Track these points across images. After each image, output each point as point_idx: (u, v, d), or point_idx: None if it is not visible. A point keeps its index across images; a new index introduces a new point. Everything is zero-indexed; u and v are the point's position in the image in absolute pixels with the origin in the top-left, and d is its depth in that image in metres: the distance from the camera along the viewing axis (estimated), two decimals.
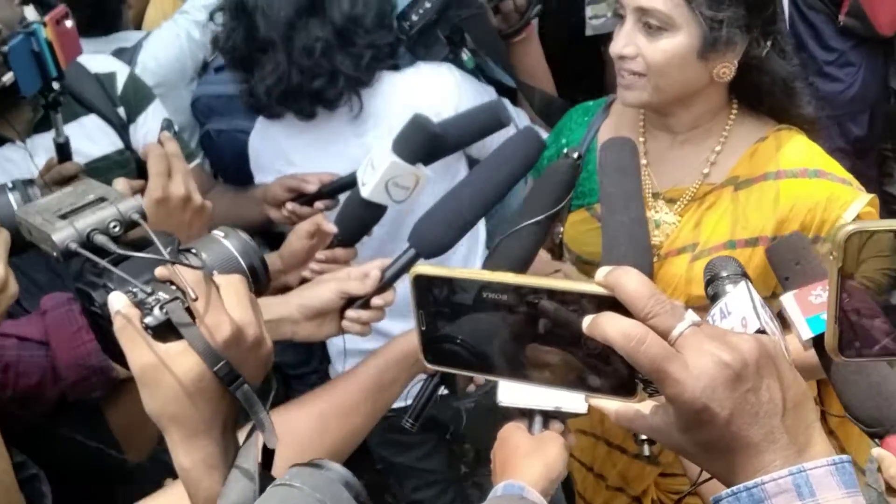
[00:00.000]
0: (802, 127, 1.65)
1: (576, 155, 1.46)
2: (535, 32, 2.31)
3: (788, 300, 1.07)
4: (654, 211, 1.68)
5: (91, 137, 1.99)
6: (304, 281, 1.56)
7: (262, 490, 0.84)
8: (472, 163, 2.09)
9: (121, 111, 2.08)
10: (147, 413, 0.88)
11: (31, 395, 1.23)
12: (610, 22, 2.45)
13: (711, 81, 1.57)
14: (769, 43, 1.56)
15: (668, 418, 0.76)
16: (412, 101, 1.89)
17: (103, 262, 0.88)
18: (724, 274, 1.14)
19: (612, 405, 0.83)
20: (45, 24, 1.67)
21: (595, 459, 1.89)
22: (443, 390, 1.40)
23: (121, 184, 1.50)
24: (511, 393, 1.28)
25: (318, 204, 1.86)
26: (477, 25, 2.10)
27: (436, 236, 1.49)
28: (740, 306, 1.09)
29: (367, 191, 1.59)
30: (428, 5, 1.95)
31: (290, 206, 1.87)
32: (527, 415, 1.15)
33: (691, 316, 0.75)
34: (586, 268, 1.76)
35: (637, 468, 1.80)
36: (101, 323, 0.93)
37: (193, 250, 0.94)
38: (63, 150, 1.80)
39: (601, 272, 0.77)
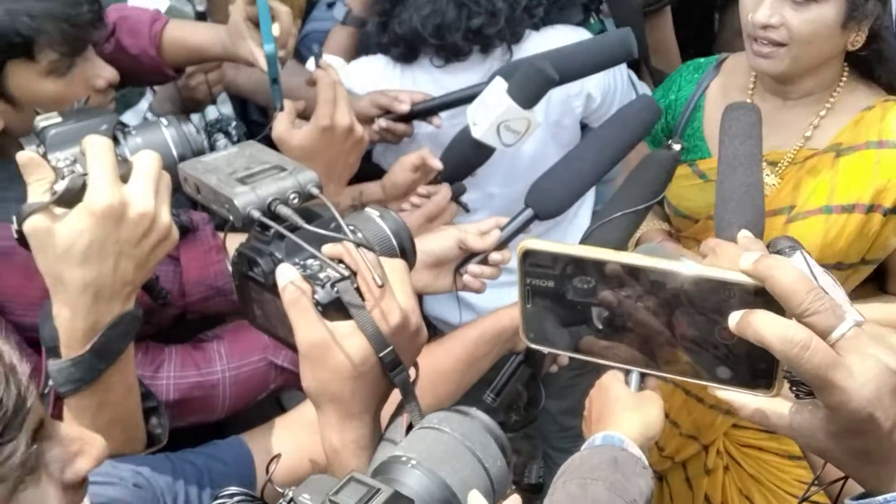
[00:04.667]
0: None
1: (678, 147, 1.47)
2: (668, 7, 2.27)
3: None
4: None
5: None
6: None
7: None
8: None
9: None
10: (305, 390, 0.89)
11: (153, 308, 1.21)
12: None
13: (843, 50, 1.60)
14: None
15: (818, 422, 0.71)
16: None
17: (289, 234, 0.86)
18: (786, 248, 1.13)
19: (742, 399, 0.78)
20: None
21: (672, 407, 1.93)
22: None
23: (288, 105, 1.51)
24: None
25: (436, 120, 1.81)
26: None
27: (555, 197, 1.49)
28: None
29: (478, 131, 1.58)
30: None
31: (383, 122, 1.81)
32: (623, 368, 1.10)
33: (853, 315, 0.70)
34: (684, 222, 1.80)
35: (710, 417, 1.85)
36: (252, 288, 0.93)
37: (352, 227, 0.93)
38: None
39: (747, 258, 0.71)
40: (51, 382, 0.98)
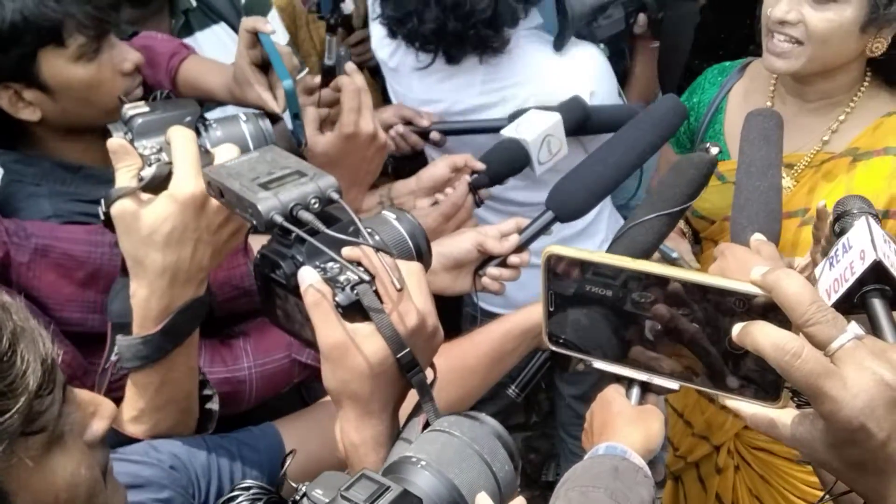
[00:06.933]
0: None
1: (716, 151, 1.43)
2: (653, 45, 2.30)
3: None
4: None
5: (225, 47, 1.99)
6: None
7: None
8: None
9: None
10: (326, 388, 0.91)
11: None
12: None
13: (861, 55, 1.59)
14: None
15: (817, 432, 0.72)
16: (572, 77, 1.87)
17: (309, 238, 0.88)
18: (855, 210, 1.14)
19: (748, 408, 0.79)
20: None
21: (686, 406, 1.96)
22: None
23: (311, 112, 1.55)
24: None
25: (433, 135, 1.91)
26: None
27: (576, 200, 1.49)
28: (860, 240, 1.10)
29: (528, 136, 1.62)
30: (618, 16, 2.00)
31: (400, 128, 1.89)
32: (624, 382, 1.09)
33: (854, 328, 0.71)
34: (701, 223, 1.82)
35: (721, 418, 1.86)
36: (275, 290, 0.95)
37: (369, 230, 0.94)
38: (331, 73, 1.74)
39: (757, 271, 0.73)
40: (113, 358, 1.03)
